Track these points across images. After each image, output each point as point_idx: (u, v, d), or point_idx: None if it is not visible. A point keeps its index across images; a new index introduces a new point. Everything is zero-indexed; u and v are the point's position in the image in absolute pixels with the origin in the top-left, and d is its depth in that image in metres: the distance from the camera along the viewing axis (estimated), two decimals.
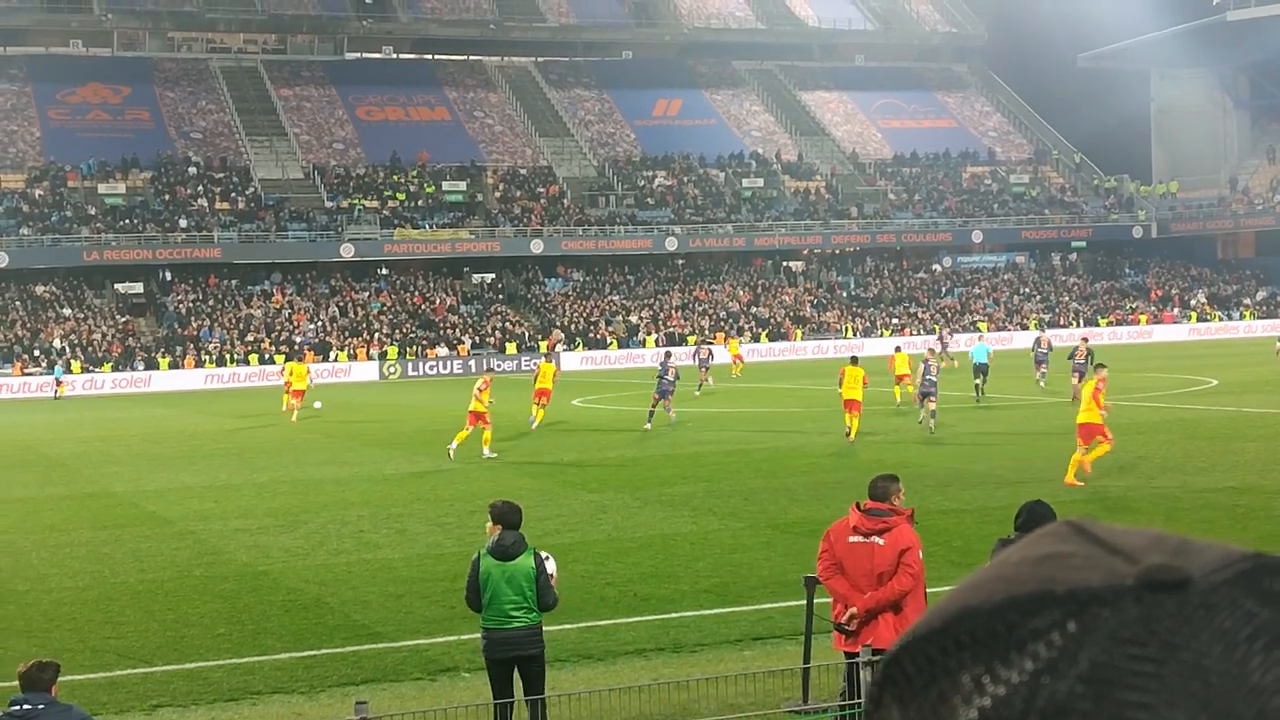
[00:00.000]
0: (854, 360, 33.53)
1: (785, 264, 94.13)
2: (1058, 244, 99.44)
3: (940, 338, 61.10)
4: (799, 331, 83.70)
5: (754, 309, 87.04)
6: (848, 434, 31.56)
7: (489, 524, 11.21)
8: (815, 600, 11.77)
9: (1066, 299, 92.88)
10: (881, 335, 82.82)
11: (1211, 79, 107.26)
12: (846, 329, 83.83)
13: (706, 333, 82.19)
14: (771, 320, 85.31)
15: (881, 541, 10.51)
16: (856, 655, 10.43)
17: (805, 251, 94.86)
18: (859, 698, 10.61)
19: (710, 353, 54.71)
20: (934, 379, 33.46)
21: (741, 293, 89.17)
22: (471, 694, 12.19)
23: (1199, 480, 23.49)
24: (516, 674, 10.94)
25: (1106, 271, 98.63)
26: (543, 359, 45.44)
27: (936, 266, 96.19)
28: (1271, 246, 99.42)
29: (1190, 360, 57.65)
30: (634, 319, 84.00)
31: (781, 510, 21.99)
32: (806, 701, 11.56)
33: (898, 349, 42.82)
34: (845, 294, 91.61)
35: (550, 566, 10.96)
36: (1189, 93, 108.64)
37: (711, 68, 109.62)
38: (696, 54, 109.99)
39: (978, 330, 78.44)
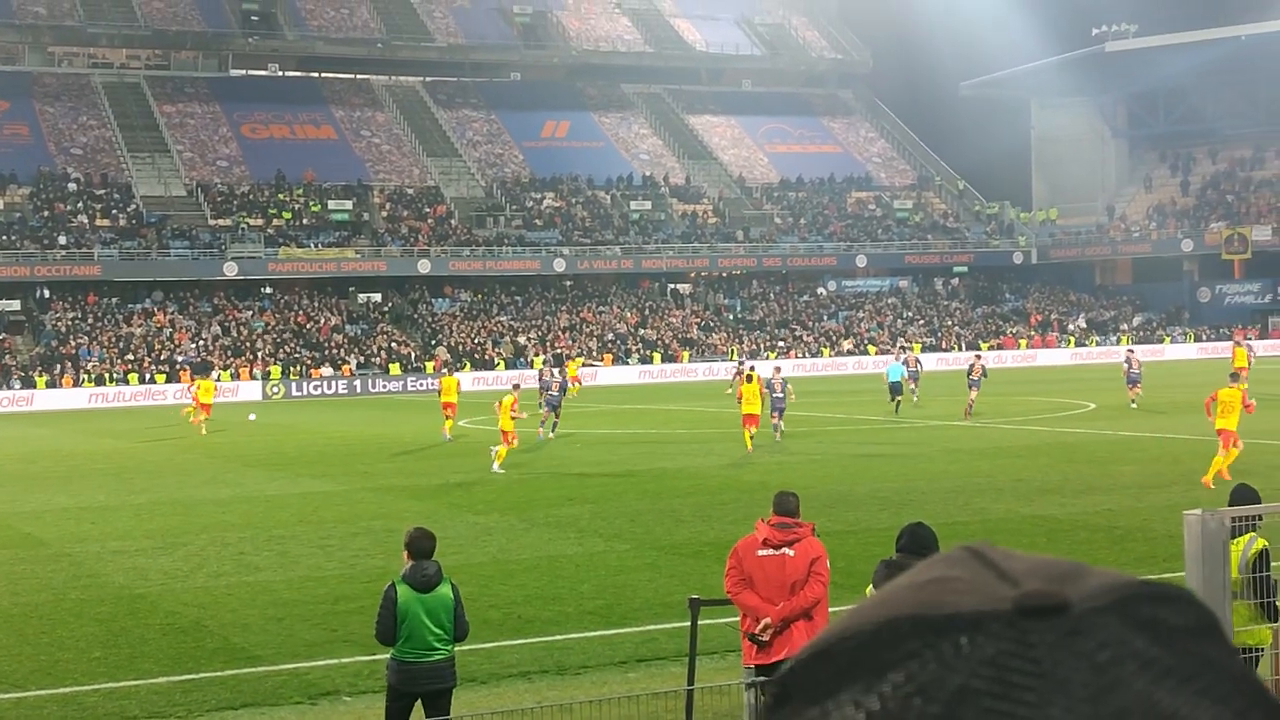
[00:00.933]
0: (749, 379, 35.75)
1: (673, 286, 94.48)
2: (940, 269, 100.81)
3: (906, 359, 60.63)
4: (686, 353, 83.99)
5: (641, 331, 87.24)
6: (748, 447, 33.48)
7: (405, 553, 10.88)
8: (699, 622, 11.77)
9: (949, 323, 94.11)
10: (768, 357, 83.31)
11: (1090, 108, 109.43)
12: (732, 351, 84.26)
13: (595, 354, 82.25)
14: (659, 342, 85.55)
15: (792, 552, 10.69)
16: (765, 669, 10.50)
17: (692, 274, 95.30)
18: None
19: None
20: (781, 396, 36.51)
21: (629, 315, 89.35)
22: (353, 718, 12.05)
23: (1077, 502, 23.88)
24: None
25: (987, 296, 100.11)
26: (444, 373, 46.74)
27: (821, 290, 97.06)
28: (1148, 273, 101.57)
29: (1069, 384, 58.63)
30: (522, 340, 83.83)
31: (667, 532, 22.02)
32: None
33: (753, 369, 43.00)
34: (732, 316, 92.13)
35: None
36: (1069, 121, 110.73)
37: (600, 90, 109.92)
38: (585, 76, 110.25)
39: (905, 348, 78.63)
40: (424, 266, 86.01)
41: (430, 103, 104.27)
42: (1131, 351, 51.59)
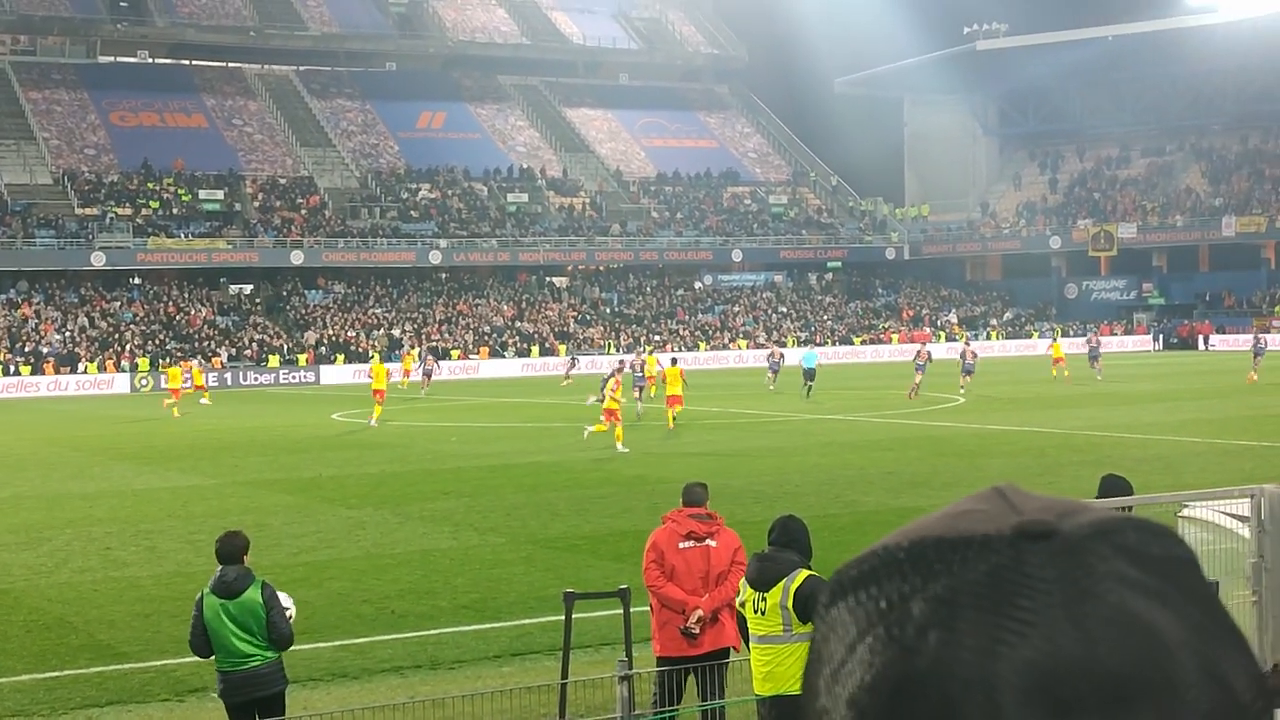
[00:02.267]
0: (674, 361, 40.54)
1: (550, 279, 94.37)
2: (814, 264, 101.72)
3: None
4: (563, 347, 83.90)
5: (518, 324, 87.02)
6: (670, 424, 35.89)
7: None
8: (574, 615, 11.76)
9: (823, 318, 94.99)
10: (645, 351, 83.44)
11: (962, 106, 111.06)
12: (609, 345, 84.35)
13: (471, 347, 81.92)
14: (536, 335, 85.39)
15: (715, 544, 10.74)
16: (690, 661, 10.51)
17: (569, 267, 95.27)
18: (678, 703, 10.67)
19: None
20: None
21: (506, 307, 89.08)
22: (220, 715, 11.88)
23: (945, 495, 24.18)
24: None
25: (861, 291, 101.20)
26: (375, 359, 50.42)
27: (698, 284, 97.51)
28: (1017, 269, 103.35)
29: (939, 379, 59.36)
30: (396, 332, 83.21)
31: (543, 525, 21.98)
32: (564, 717, 11.54)
33: (674, 361, 43.44)
34: (609, 310, 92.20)
35: (286, 602, 10.30)
36: (941, 119, 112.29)
37: (476, 81, 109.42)
38: (461, 67, 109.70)
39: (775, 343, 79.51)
40: (297, 258, 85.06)
41: (304, 92, 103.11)
42: (968, 344, 56.02)
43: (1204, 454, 28.82)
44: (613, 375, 35.97)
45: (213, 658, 10.18)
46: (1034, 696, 0.81)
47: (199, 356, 75.82)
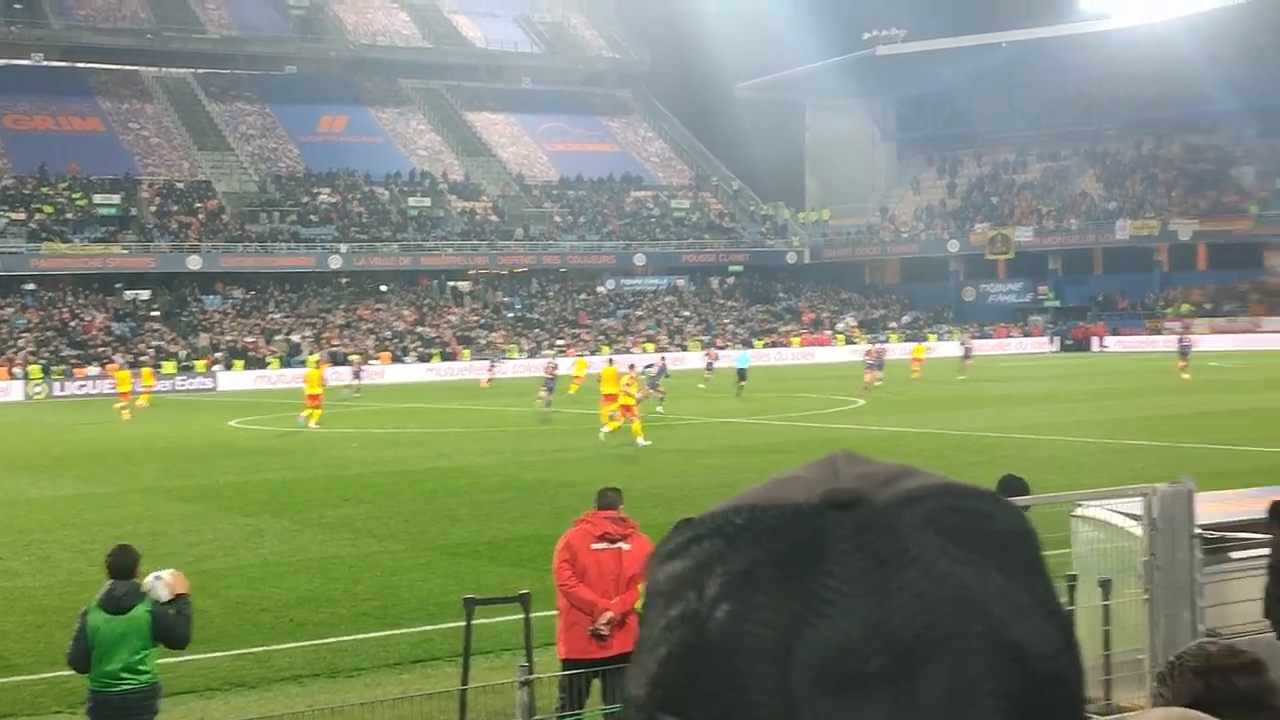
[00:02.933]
0: (610, 361, 42.76)
1: (452, 284, 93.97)
2: (716, 268, 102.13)
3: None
4: (466, 352, 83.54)
5: (420, 328, 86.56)
6: (604, 427, 35.66)
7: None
8: (474, 621, 11.71)
9: (724, 321, 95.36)
10: (547, 355, 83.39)
11: (862, 111, 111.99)
12: (512, 349, 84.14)
13: (371, 352, 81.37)
14: (438, 340, 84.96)
15: (628, 546, 10.78)
16: (597, 663, 10.49)
17: (472, 272, 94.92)
18: (583, 706, 10.65)
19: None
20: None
21: (407, 312, 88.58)
22: None
23: None
24: None
25: (762, 295, 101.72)
26: (310, 368, 50.08)
27: (601, 288, 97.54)
28: (916, 272, 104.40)
29: (840, 381, 59.84)
30: (296, 338, 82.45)
31: (442, 531, 21.88)
32: None
33: (610, 362, 43.12)
34: (511, 314, 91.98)
35: (162, 589, 9.81)
36: (841, 124, 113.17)
37: (378, 85, 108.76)
38: (363, 71, 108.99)
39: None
40: (194, 263, 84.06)
41: (202, 95, 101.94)
42: (875, 343, 58.06)
43: (1098, 454, 29.27)
44: (628, 374, 36.81)
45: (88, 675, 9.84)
46: (823, 670, 0.80)
47: (94, 363, 74.69)
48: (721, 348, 75.24)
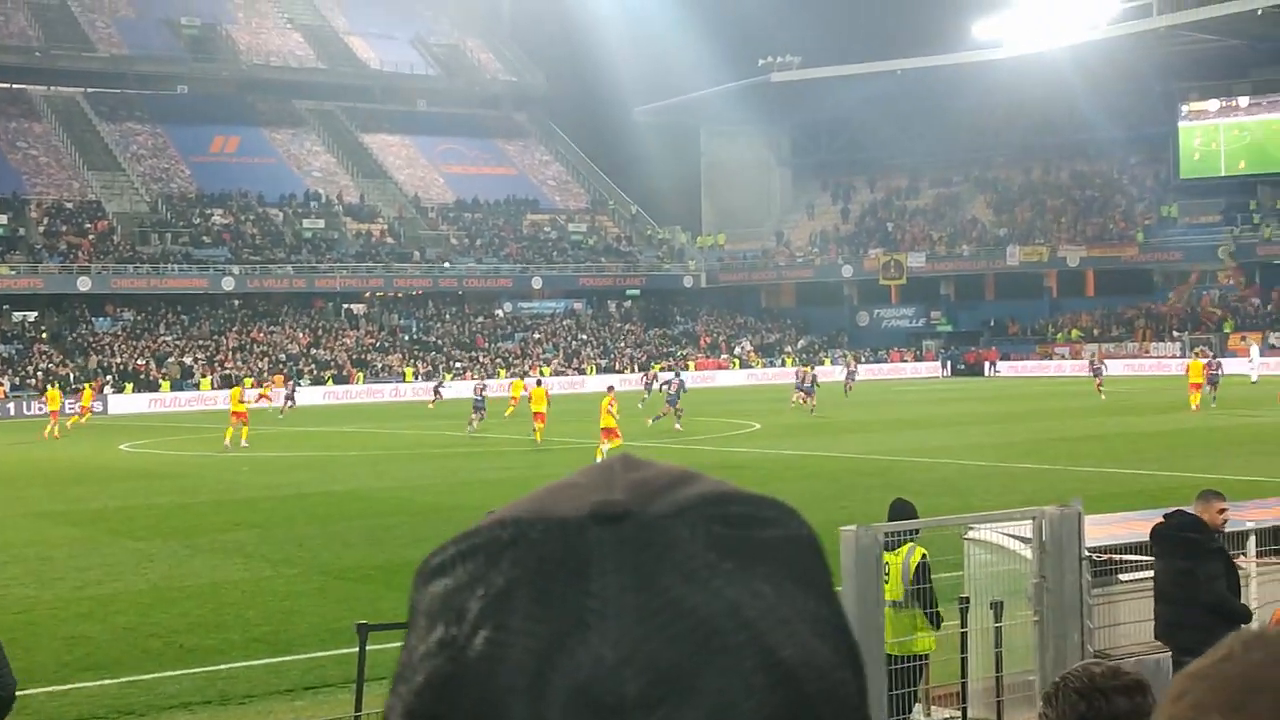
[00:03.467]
0: (539, 383, 44.50)
1: (347, 306, 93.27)
2: (614, 291, 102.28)
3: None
4: (360, 375, 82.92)
5: (314, 351, 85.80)
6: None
7: None
8: (368, 647, 11.60)
9: (621, 345, 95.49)
10: (443, 379, 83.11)
11: (757, 137, 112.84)
12: (407, 373, 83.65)
13: (265, 375, 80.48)
14: (333, 363, 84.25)
15: None
16: None
17: (367, 294, 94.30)
18: None
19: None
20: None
21: (301, 335, 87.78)
22: None
23: None
24: None
25: (659, 319, 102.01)
26: (236, 386, 52.63)
27: (498, 311, 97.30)
28: (810, 297, 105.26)
29: (736, 405, 60.16)
30: (188, 360, 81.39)
31: (336, 556, 21.68)
32: None
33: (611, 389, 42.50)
34: (408, 337, 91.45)
35: None
36: (737, 149, 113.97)
37: (271, 106, 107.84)
38: (256, 91, 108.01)
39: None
40: (84, 284, 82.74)
41: (92, 114, 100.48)
42: (805, 367, 61.20)
43: (989, 477, 29.64)
44: (608, 395, 37.68)
45: None
46: (579, 698, 0.77)
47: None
48: (665, 369, 74.95)
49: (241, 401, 45.15)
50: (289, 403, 63.02)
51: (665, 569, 0.80)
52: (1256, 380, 64.80)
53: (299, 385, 78.28)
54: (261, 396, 59.50)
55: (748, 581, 0.81)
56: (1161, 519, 10.67)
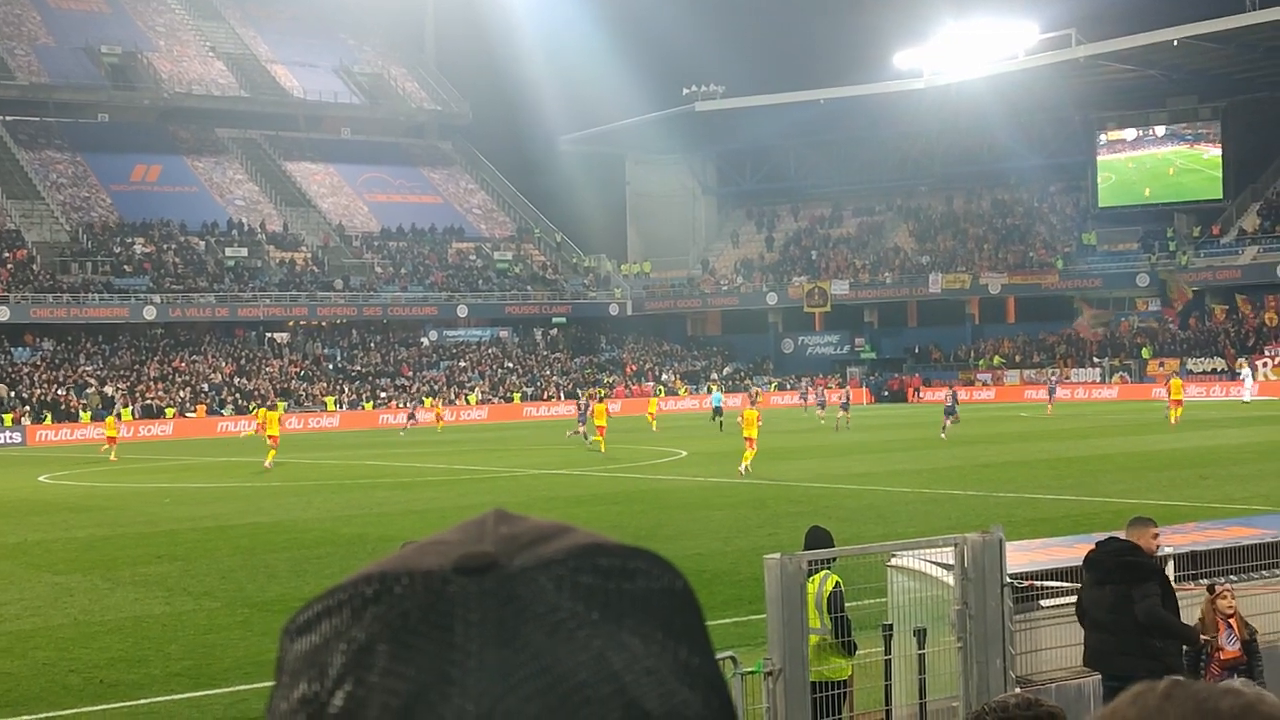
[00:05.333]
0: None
1: (270, 335, 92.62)
2: (540, 319, 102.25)
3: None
4: (283, 404, 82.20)
5: (238, 380, 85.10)
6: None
7: None
8: None
9: (547, 373, 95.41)
10: (364, 408, 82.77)
11: (682, 166, 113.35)
12: (329, 402, 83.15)
13: (188, 405, 79.76)
14: (256, 392, 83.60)
15: None
16: None
17: (291, 323, 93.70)
18: None
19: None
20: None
21: (224, 364, 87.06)
22: None
23: (669, 548, 24.47)
24: None
25: (586, 346, 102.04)
26: (266, 408, 55.27)
27: (424, 340, 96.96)
28: (736, 325, 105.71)
29: (664, 432, 60.24)
30: (109, 390, 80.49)
31: (260, 588, 21.50)
32: None
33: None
34: (332, 366, 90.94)
35: None
36: (662, 178, 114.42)
37: (193, 134, 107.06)
38: (177, 119, 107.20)
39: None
40: (2, 314, 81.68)
41: (10, 143, 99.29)
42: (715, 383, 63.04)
43: (913, 503, 29.85)
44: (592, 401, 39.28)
45: None
46: None
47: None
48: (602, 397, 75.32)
49: (279, 424, 48.70)
50: (411, 421, 71.00)
51: (529, 621, 0.80)
52: (1250, 400, 69.92)
53: (219, 412, 77.65)
54: (259, 428, 60.18)
55: (615, 633, 0.81)
56: (1095, 545, 10.76)
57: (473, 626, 0.79)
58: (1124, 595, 10.24)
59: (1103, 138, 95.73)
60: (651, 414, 66.68)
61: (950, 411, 53.42)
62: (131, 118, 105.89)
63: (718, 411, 64.84)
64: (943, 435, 50.62)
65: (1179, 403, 55.66)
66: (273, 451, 46.64)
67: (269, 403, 70.68)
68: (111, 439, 56.28)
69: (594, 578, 0.83)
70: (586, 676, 0.79)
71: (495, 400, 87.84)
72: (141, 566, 24.21)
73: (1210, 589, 11.11)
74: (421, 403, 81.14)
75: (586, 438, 52.34)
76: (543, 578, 0.82)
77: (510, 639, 0.79)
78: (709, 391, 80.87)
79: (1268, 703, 0.87)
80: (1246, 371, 75.94)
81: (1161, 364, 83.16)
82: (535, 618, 0.80)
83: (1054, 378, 79.86)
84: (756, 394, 68.48)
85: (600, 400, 54.77)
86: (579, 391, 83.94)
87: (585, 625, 0.80)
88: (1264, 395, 72.20)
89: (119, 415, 70.14)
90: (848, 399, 64.99)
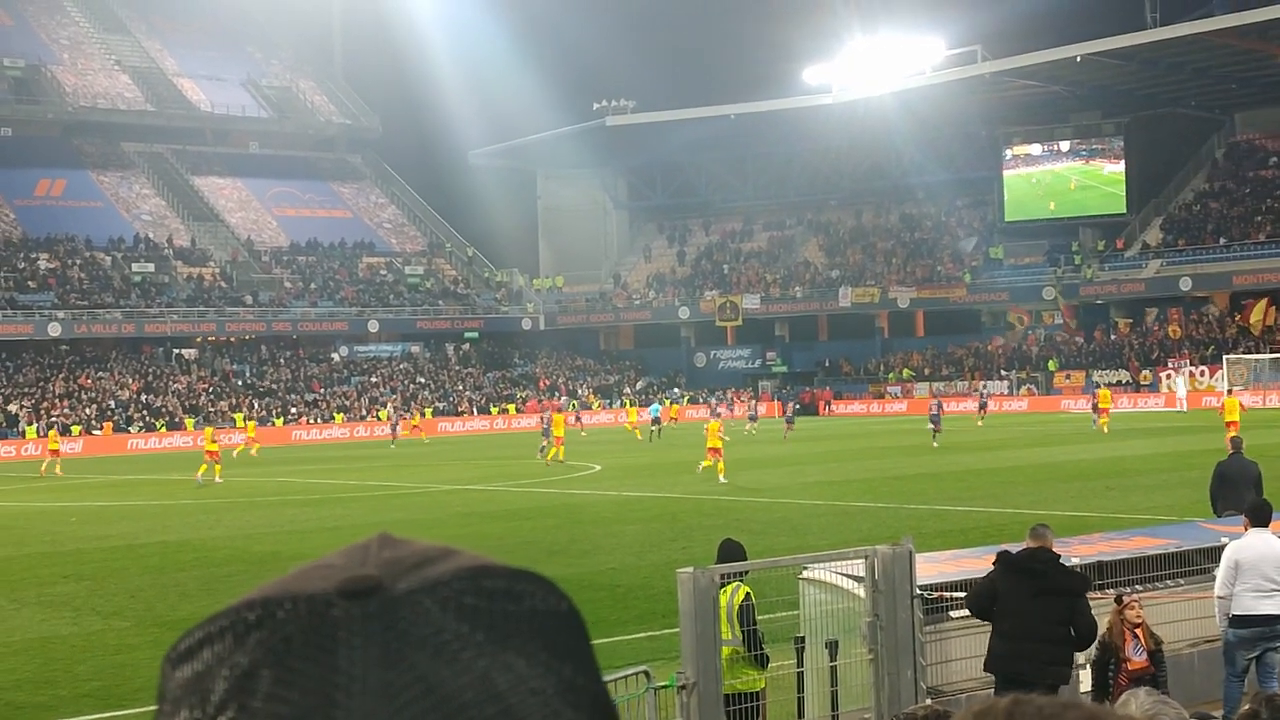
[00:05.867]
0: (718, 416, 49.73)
1: (178, 351, 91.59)
2: (451, 334, 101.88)
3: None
4: (190, 421, 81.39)
5: (145, 397, 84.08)
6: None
7: None
8: None
9: (461, 388, 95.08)
10: (275, 424, 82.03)
11: (593, 180, 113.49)
12: (238, 419, 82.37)
13: (94, 423, 78.72)
14: (164, 410, 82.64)
15: None
16: None
17: (199, 339, 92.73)
18: None
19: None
20: None
21: (131, 381, 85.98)
22: None
23: (583, 563, 24.49)
24: None
25: (498, 361, 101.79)
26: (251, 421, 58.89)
27: (335, 355, 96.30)
28: (648, 339, 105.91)
29: (576, 446, 60.18)
30: (13, 409, 79.27)
31: (170, 607, 21.27)
32: None
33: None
34: (241, 382, 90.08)
35: None
36: (573, 192, 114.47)
37: (99, 148, 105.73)
38: (82, 134, 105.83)
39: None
40: None
41: None
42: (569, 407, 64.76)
43: (825, 515, 30.06)
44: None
45: None
46: None
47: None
48: (557, 408, 75.59)
49: (214, 441, 48.02)
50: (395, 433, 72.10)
51: (413, 643, 0.80)
52: (1187, 410, 71.58)
53: (126, 430, 76.75)
54: (249, 441, 64.08)
55: (499, 654, 0.82)
56: (1022, 553, 10.70)
57: (356, 650, 0.79)
58: (1068, 607, 10.31)
59: (1009, 153, 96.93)
60: (633, 423, 69.28)
61: (934, 420, 54.03)
62: (35, 131, 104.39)
63: (656, 422, 67.37)
64: (934, 444, 51.17)
65: (1106, 410, 59.29)
66: (216, 467, 47.34)
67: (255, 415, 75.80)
68: (55, 452, 57.81)
69: (478, 599, 0.83)
70: (471, 697, 0.79)
71: (407, 415, 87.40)
72: (48, 587, 23.88)
73: (1118, 600, 11.30)
74: (408, 414, 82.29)
75: (543, 451, 52.04)
76: (427, 600, 0.82)
77: (395, 661, 0.79)
78: (644, 405, 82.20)
79: (1109, 717, 0.89)
80: (1180, 380, 77.31)
81: (1068, 376, 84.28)
82: (419, 640, 0.80)
83: (985, 391, 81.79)
84: (717, 407, 71.97)
85: (559, 411, 57.10)
86: (541, 404, 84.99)
87: (470, 646, 0.81)
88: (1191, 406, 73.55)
89: (61, 431, 70.93)
90: (755, 412, 69.86)
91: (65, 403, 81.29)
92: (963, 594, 12.01)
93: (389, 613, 0.81)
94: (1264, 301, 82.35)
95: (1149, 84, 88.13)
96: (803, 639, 11.45)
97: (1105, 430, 56.38)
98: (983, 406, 71.72)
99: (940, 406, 56.79)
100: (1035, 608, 10.29)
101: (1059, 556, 10.76)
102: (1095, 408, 60.26)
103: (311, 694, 0.78)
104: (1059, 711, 0.88)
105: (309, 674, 0.79)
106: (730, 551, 11.35)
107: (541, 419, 60.43)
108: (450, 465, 51.52)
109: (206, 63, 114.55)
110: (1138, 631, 10.93)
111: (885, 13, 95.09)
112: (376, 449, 67.62)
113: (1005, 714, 0.88)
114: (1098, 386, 71.26)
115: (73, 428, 77.41)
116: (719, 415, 51.92)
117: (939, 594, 11.93)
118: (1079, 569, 11.70)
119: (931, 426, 53.23)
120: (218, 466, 47.12)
